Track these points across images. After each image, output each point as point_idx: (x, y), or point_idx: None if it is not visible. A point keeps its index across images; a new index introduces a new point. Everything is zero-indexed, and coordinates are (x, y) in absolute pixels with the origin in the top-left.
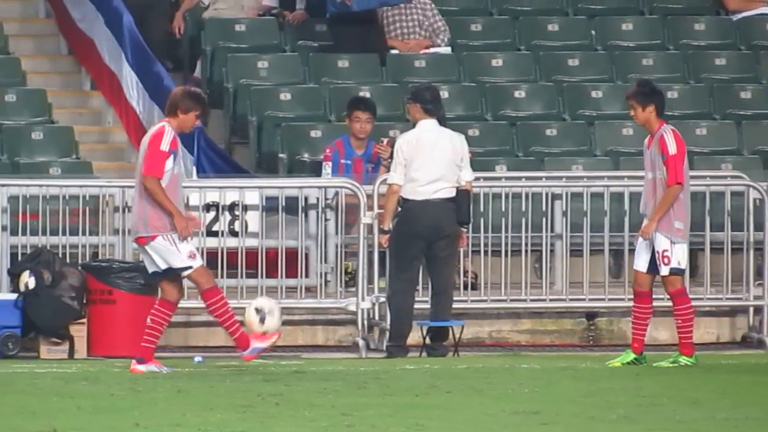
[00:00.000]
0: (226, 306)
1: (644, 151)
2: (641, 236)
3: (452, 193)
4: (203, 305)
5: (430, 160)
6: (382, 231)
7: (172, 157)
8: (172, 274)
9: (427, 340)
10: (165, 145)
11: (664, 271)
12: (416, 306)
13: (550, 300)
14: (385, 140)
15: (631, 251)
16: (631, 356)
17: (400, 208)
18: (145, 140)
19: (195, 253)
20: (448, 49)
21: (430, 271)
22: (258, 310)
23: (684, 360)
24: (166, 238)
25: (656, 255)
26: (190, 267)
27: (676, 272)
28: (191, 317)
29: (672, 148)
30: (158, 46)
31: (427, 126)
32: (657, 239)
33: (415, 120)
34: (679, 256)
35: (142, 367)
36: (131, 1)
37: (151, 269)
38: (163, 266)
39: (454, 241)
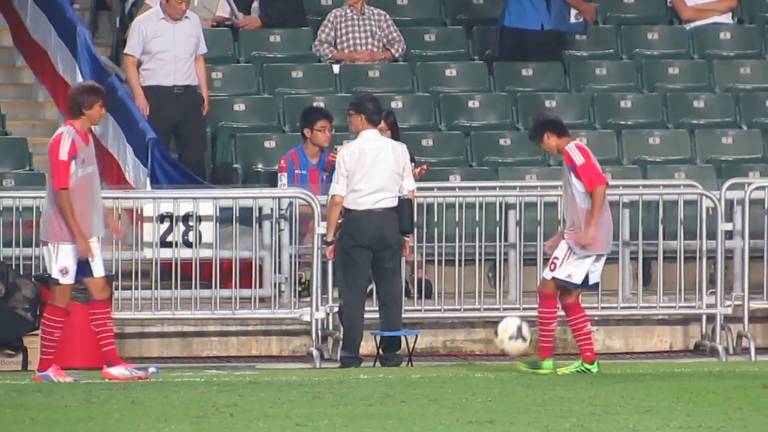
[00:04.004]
0: (58, 330)
1: None
2: (582, 249)
3: (395, 203)
4: (157, 317)
5: (373, 170)
6: (325, 242)
7: (74, 162)
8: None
9: (381, 350)
10: (63, 154)
11: (547, 274)
12: (369, 316)
13: (504, 309)
14: (340, 149)
15: None
16: (586, 366)
17: (343, 219)
18: (48, 150)
19: (68, 270)
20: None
21: (377, 282)
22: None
23: (586, 366)
24: (53, 246)
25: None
26: (56, 281)
27: (561, 283)
28: (145, 328)
29: (578, 159)
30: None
31: (370, 136)
32: (560, 245)
33: (356, 130)
34: (574, 267)
35: (112, 371)
36: (165, 122)
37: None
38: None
39: (398, 251)
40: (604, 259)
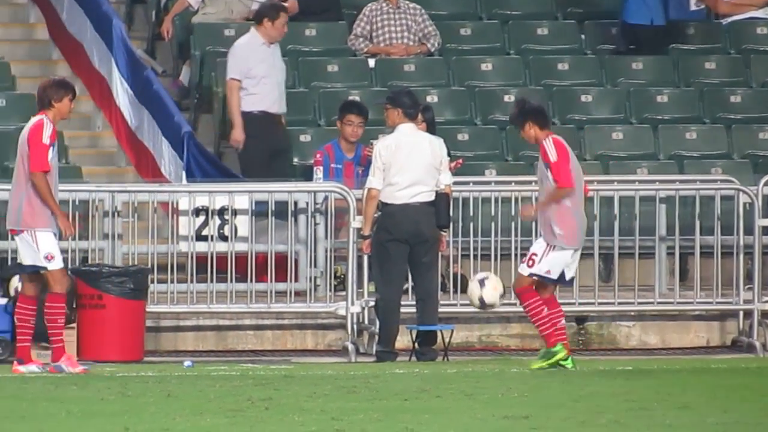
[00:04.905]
0: (62, 316)
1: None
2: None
3: (431, 197)
4: (193, 310)
5: (409, 164)
6: (362, 237)
7: (52, 149)
8: (30, 271)
9: (416, 345)
10: (46, 138)
11: (523, 270)
12: (405, 310)
13: None
14: (375, 143)
15: (621, 255)
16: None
17: (379, 213)
18: (24, 134)
19: (53, 255)
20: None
21: (414, 276)
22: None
23: (548, 350)
24: (30, 234)
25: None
26: (45, 268)
27: (539, 278)
28: (180, 322)
29: (552, 156)
30: None
31: (406, 130)
32: (536, 241)
33: (393, 125)
34: (552, 263)
35: (22, 368)
36: (268, 150)
37: (19, 261)
38: (24, 261)
39: (434, 246)
40: (579, 254)
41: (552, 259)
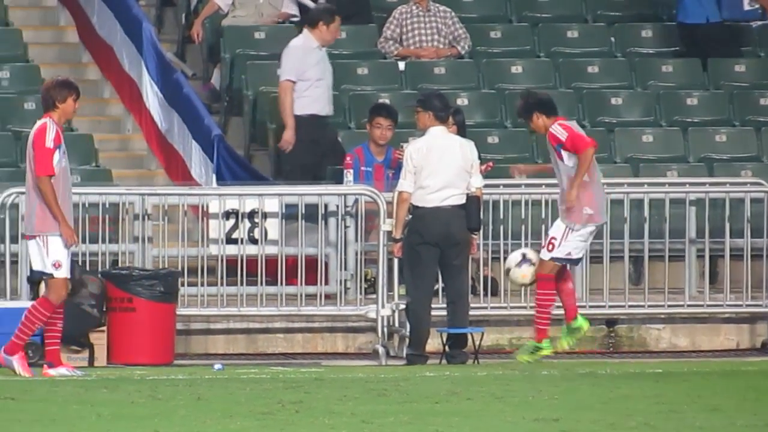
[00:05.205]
0: (40, 323)
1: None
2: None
3: (462, 200)
4: (223, 313)
5: (440, 167)
6: (393, 240)
7: (57, 151)
8: (37, 276)
9: (447, 348)
10: (49, 142)
11: (544, 255)
12: (435, 313)
13: None
14: (406, 146)
15: (651, 258)
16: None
17: (410, 216)
18: (30, 138)
19: (61, 263)
20: None
21: (445, 279)
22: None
23: (535, 345)
24: (42, 239)
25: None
26: (51, 275)
27: (561, 262)
28: (211, 325)
29: (562, 135)
30: None
31: (437, 133)
32: (554, 224)
33: (423, 128)
34: (572, 245)
35: (52, 372)
36: (318, 153)
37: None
38: (33, 266)
39: (465, 248)
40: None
41: (571, 241)
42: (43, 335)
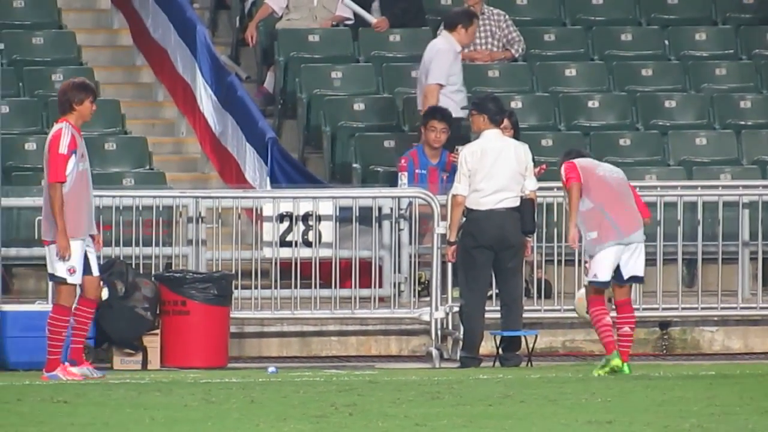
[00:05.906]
0: (64, 329)
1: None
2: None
3: (516, 203)
4: (277, 316)
5: (495, 170)
6: (447, 243)
7: (72, 157)
8: (51, 280)
9: (500, 350)
10: (63, 148)
11: (585, 279)
12: (489, 316)
13: None
14: (460, 149)
15: (705, 260)
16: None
17: (465, 219)
18: (46, 144)
19: (75, 269)
20: None
21: (498, 282)
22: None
23: (606, 358)
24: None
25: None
26: (64, 280)
27: (594, 284)
28: (265, 328)
29: (562, 177)
30: None
31: (491, 136)
32: None
33: (478, 130)
34: (597, 266)
35: (75, 370)
36: None
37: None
38: (49, 269)
39: (519, 251)
40: (638, 250)
41: (596, 262)
42: (96, 336)
